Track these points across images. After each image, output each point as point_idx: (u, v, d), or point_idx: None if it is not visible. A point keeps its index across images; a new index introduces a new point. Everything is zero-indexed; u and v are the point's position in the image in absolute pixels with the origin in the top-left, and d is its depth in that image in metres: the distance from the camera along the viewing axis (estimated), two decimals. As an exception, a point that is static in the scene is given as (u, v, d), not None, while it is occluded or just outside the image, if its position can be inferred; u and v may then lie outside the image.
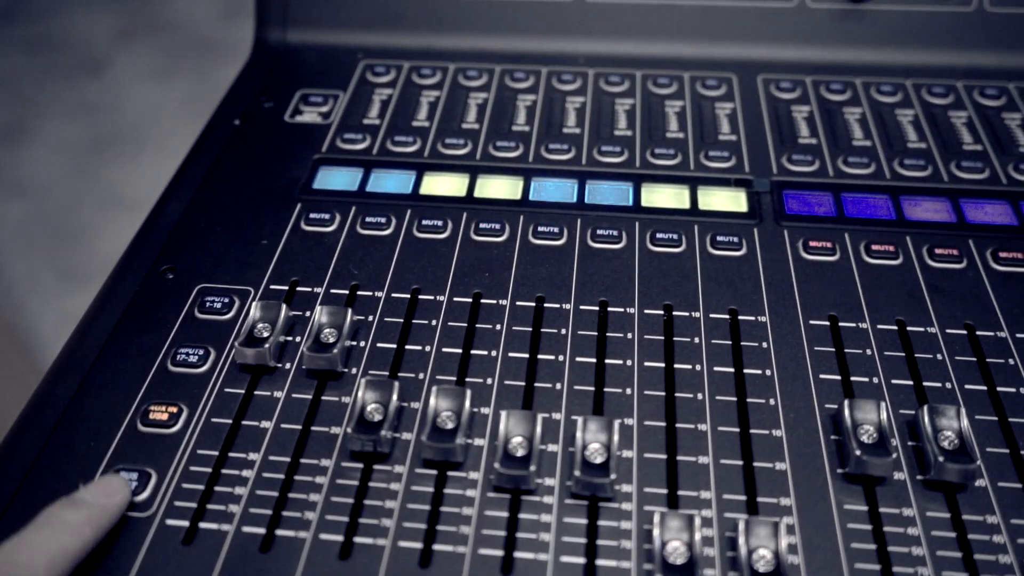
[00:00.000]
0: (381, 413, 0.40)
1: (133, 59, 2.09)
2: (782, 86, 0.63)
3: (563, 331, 0.45)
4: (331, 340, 0.44)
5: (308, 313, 0.46)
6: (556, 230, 0.51)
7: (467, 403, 0.40)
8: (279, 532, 0.37)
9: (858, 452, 0.38)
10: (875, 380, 0.43)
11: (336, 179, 0.55)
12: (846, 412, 0.40)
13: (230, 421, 0.41)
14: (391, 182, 0.55)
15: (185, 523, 0.37)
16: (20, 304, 1.51)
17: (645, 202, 0.53)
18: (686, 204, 0.53)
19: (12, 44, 2.16)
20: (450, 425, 0.40)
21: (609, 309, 0.47)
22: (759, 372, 0.43)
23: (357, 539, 0.37)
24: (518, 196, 0.54)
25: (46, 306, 1.52)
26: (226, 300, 0.47)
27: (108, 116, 1.94)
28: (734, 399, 0.42)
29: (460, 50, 0.66)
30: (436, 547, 0.36)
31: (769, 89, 0.63)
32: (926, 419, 0.40)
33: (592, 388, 0.42)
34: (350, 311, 0.44)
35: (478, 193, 0.54)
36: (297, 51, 0.67)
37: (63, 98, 1.99)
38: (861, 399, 0.40)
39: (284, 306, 0.44)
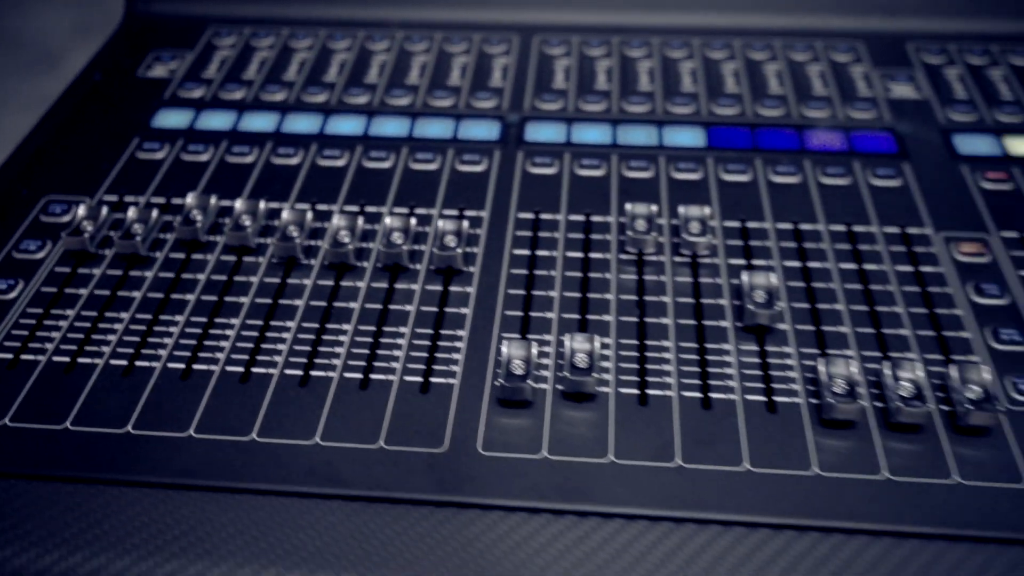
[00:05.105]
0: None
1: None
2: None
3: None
4: (139, 233, 0.56)
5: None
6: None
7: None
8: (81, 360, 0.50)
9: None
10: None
11: (171, 119, 0.68)
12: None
13: (55, 289, 0.54)
14: (218, 120, 0.68)
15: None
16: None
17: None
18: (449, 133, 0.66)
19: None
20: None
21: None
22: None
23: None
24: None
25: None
26: (65, 207, 0.60)
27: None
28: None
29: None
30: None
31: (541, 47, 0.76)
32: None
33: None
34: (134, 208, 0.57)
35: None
36: (160, 20, 0.80)
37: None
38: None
39: (106, 207, 0.57)
